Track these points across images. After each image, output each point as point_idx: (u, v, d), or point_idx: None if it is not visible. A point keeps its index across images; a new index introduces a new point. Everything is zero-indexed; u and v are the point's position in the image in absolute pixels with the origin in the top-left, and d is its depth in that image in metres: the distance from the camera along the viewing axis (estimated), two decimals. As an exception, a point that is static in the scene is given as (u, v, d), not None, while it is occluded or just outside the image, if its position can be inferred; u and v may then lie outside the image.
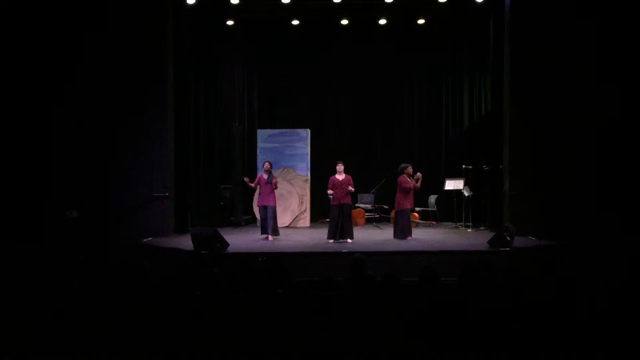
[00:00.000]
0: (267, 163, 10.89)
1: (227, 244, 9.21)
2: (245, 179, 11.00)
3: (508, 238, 9.27)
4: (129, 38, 10.89)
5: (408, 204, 10.71)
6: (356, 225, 12.85)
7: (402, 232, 10.64)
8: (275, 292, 4.58)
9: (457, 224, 12.78)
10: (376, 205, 13.66)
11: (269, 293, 4.50)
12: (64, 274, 5.15)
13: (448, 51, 14.61)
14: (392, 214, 13.26)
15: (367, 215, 13.76)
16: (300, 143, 13.72)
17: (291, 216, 13.31)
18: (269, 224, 10.70)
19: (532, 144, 10.84)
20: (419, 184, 10.71)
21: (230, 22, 13.32)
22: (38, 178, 10.56)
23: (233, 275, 5.12)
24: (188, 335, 3.67)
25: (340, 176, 10.46)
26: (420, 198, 12.98)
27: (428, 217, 13.77)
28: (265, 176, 10.74)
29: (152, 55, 11.16)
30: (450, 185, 12.87)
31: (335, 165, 10.58)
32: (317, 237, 11.04)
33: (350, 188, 10.32)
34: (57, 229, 10.26)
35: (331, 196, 10.46)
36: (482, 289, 4.62)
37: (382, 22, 13.45)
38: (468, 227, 12.30)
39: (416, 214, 13.32)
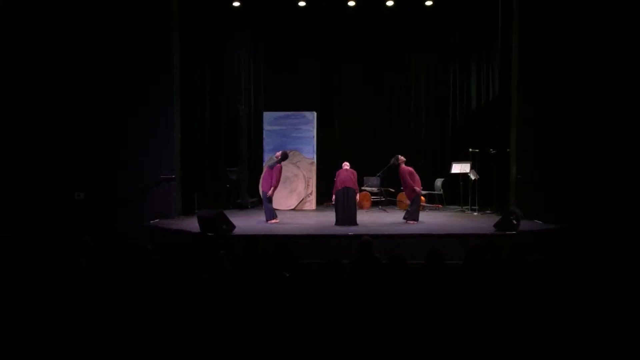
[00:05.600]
0: (278, 152, 11.10)
1: (233, 226, 9.24)
2: None
3: (514, 221, 9.26)
4: (135, 21, 10.86)
5: (419, 187, 10.72)
6: (362, 208, 12.85)
7: (415, 215, 10.65)
8: (281, 274, 4.59)
9: (464, 207, 12.77)
10: (382, 189, 13.65)
11: (275, 276, 4.52)
12: (70, 256, 5.17)
13: (456, 33, 14.47)
14: (399, 197, 13.30)
15: (373, 198, 13.76)
16: (307, 126, 13.68)
17: (297, 199, 13.32)
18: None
19: (540, 127, 10.78)
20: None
21: (236, 4, 13.22)
22: (45, 160, 10.60)
23: (239, 258, 5.14)
24: (194, 317, 3.69)
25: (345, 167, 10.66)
26: (426, 181, 12.95)
27: (434, 201, 13.75)
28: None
29: (158, 38, 11.13)
30: (457, 168, 12.83)
31: (342, 164, 10.80)
32: (323, 220, 11.06)
33: (357, 196, 10.46)
34: (64, 211, 10.31)
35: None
36: (488, 271, 4.62)
37: (390, 3, 13.32)
38: (474, 210, 12.29)
39: (422, 197, 13.30)
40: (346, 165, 10.73)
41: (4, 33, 10.37)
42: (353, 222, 10.24)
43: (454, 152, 14.27)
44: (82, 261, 4.84)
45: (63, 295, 3.96)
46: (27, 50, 10.53)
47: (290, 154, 13.22)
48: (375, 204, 13.65)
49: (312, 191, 13.45)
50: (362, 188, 13.36)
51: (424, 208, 12.96)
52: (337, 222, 10.27)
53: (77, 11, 10.69)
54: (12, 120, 10.51)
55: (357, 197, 10.54)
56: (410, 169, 10.72)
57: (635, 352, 3.39)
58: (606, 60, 10.07)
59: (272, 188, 10.64)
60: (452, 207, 13.46)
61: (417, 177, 10.69)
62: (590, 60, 10.21)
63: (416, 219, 10.63)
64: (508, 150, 11.66)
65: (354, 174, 10.44)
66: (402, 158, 10.84)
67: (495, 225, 9.43)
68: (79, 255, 5.08)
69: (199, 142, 12.61)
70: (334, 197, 10.41)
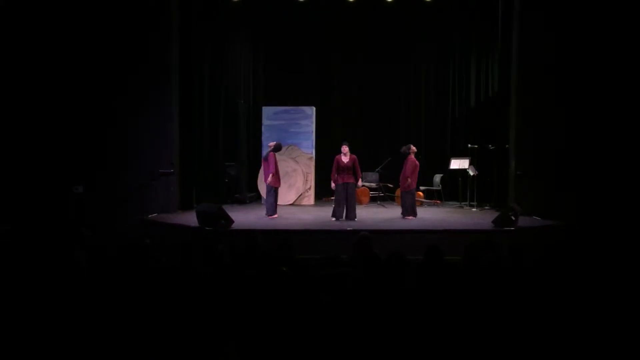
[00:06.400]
0: (272, 142, 11.04)
1: (231, 221, 9.24)
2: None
3: (513, 218, 9.26)
4: (135, 18, 10.83)
5: (414, 183, 10.72)
6: (361, 203, 12.84)
7: (413, 210, 10.64)
8: (280, 269, 4.59)
9: (462, 203, 12.77)
10: (381, 184, 13.64)
11: (273, 270, 4.51)
12: (69, 250, 5.17)
13: (456, 29, 14.44)
14: (397, 192, 13.29)
15: (371, 193, 13.76)
16: (306, 121, 13.65)
17: (296, 194, 13.32)
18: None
19: (539, 123, 10.78)
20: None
21: (235, -1, 13.19)
22: (45, 156, 10.58)
23: (237, 252, 5.14)
24: (191, 311, 3.69)
25: (345, 158, 10.39)
26: (425, 177, 12.96)
27: (433, 197, 13.75)
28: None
29: (158, 33, 11.10)
30: (456, 164, 12.83)
31: (340, 146, 10.53)
32: (322, 215, 11.05)
33: (359, 183, 10.57)
34: (63, 205, 10.30)
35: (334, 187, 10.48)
36: (487, 267, 4.62)
37: (390, -1, 13.30)
38: (473, 206, 12.29)
39: (421, 193, 13.30)
40: (345, 149, 10.39)
41: (4, 31, 10.33)
42: (351, 216, 10.26)
43: (453, 148, 14.28)
44: (82, 255, 4.83)
45: (63, 289, 3.96)
46: (27, 47, 10.49)
47: (289, 149, 13.25)
48: (373, 200, 13.65)
49: (310, 186, 13.45)
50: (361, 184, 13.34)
51: (422, 204, 12.98)
52: (334, 215, 10.30)
53: (77, 9, 10.64)
54: (13, 117, 10.49)
55: (359, 182, 10.58)
56: (417, 163, 10.71)
57: (635, 352, 3.39)
58: (606, 57, 10.06)
59: (270, 175, 10.59)
60: (450, 203, 13.46)
61: (417, 174, 10.71)
62: (590, 57, 10.20)
63: (414, 214, 10.64)
64: (507, 146, 11.67)
65: (355, 165, 10.36)
66: (413, 148, 10.83)
67: (493, 222, 9.44)
68: (79, 248, 5.08)
69: (197, 137, 12.59)
70: (333, 184, 10.39)
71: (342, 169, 10.33)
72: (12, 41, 10.38)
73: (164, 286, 4.06)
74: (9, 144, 10.41)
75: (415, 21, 14.41)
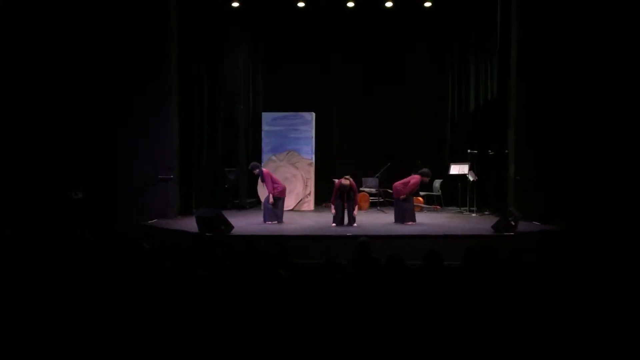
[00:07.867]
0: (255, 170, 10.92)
1: (231, 227, 9.23)
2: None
3: (512, 223, 9.25)
4: (134, 21, 10.86)
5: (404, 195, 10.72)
6: (360, 209, 12.82)
7: (412, 216, 10.63)
8: (278, 273, 4.58)
9: (462, 208, 12.76)
10: (380, 190, 13.63)
11: (271, 275, 4.50)
12: (65, 250, 5.16)
13: (455, 32, 14.44)
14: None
15: (371, 199, 13.74)
16: (305, 126, 13.65)
17: (295, 199, 13.30)
18: None
19: (538, 128, 10.78)
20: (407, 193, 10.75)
21: (235, 4, 13.21)
22: (44, 160, 10.59)
23: (236, 256, 5.12)
24: (188, 317, 3.67)
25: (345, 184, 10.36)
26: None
27: (432, 202, 13.74)
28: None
29: (157, 37, 11.12)
30: (455, 169, 12.82)
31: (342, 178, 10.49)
32: (322, 221, 11.04)
33: (355, 212, 10.36)
34: (61, 210, 10.29)
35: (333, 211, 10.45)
36: (487, 272, 4.61)
37: (389, 4, 13.32)
38: (472, 211, 12.28)
39: (421, 199, 13.30)
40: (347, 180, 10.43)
41: (3, 32, 10.36)
42: (351, 222, 10.26)
43: (452, 153, 14.27)
44: (77, 255, 4.82)
45: (57, 289, 3.95)
46: (28, 49, 10.52)
47: (288, 155, 13.28)
48: (373, 205, 13.63)
49: (310, 192, 13.44)
50: (361, 189, 13.33)
51: (422, 209, 12.97)
52: (335, 221, 10.32)
53: (76, 10, 10.67)
54: (10, 120, 10.50)
55: (355, 210, 10.46)
56: (418, 185, 10.75)
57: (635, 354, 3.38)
58: (607, 59, 10.06)
59: (271, 193, 10.58)
60: (450, 208, 13.45)
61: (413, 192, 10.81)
62: (589, 60, 10.21)
63: (413, 219, 10.64)
64: (506, 151, 11.66)
65: (354, 190, 10.38)
66: (427, 178, 10.88)
67: (493, 227, 9.42)
68: (74, 249, 5.07)
69: (197, 143, 12.59)
70: (332, 207, 10.39)
71: (342, 192, 10.34)
72: (12, 42, 10.41)
73: (162, 288, 4.05)
74: (9, 146, 10.43)
75: (414, 25, 14.42)
